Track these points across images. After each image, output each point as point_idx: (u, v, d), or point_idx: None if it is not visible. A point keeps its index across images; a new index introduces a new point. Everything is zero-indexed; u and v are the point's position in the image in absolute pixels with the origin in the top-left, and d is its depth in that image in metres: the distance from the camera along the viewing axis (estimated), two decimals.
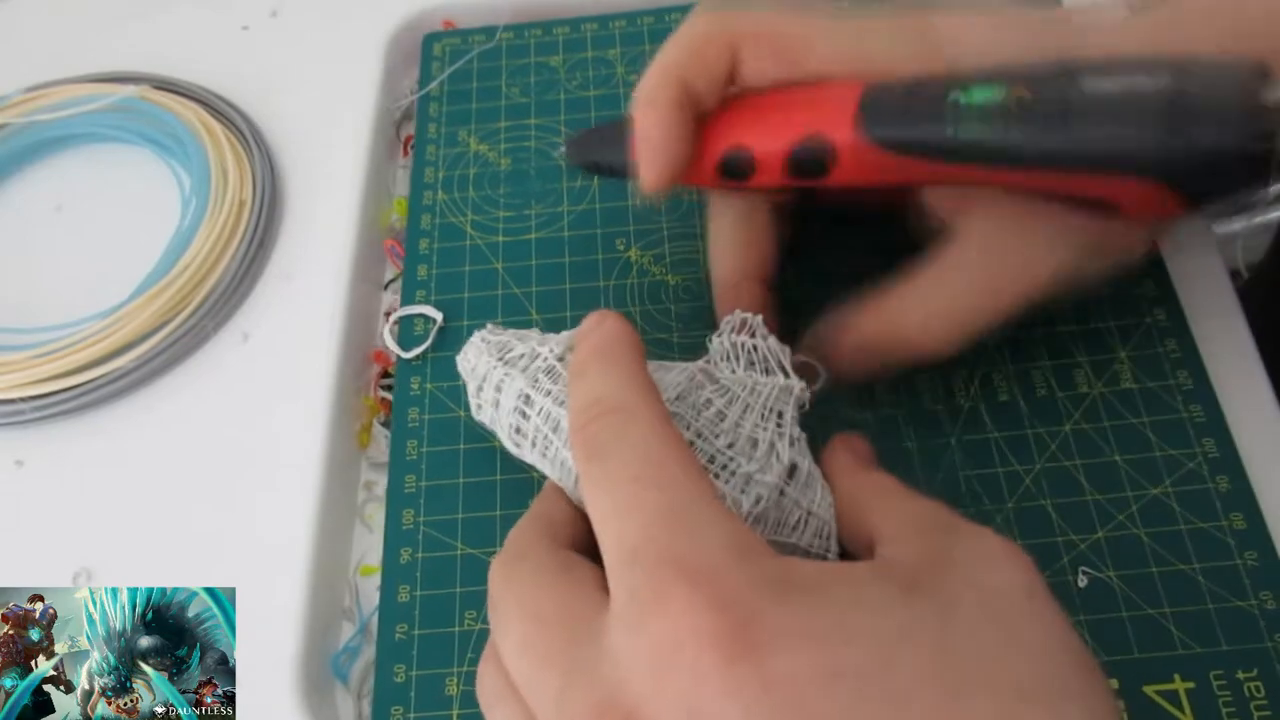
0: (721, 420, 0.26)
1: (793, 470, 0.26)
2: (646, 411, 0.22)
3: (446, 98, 0.43)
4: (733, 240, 0.32)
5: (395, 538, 0.32)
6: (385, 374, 0.37)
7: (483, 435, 0.34)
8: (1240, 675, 0.27)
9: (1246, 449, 0.31)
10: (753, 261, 0.32)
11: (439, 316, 0.37)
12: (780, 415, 0.26)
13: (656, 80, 0.29)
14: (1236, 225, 0.97)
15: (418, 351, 0.36)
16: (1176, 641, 0.28)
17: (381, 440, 0.36)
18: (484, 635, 0.30)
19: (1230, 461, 0.31)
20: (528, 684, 0.20)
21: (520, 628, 0.21)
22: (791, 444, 0.26)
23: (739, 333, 0.28)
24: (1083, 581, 0.29)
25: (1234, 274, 0.35)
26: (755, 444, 0.26)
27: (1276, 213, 0.96)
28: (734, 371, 0.28)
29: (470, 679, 0.30)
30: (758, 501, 0.25)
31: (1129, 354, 0.33)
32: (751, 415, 0.26)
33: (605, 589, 0.20)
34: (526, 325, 0.36)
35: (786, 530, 0.25)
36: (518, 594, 0.22)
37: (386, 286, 0.40)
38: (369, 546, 0.34)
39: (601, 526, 0.20)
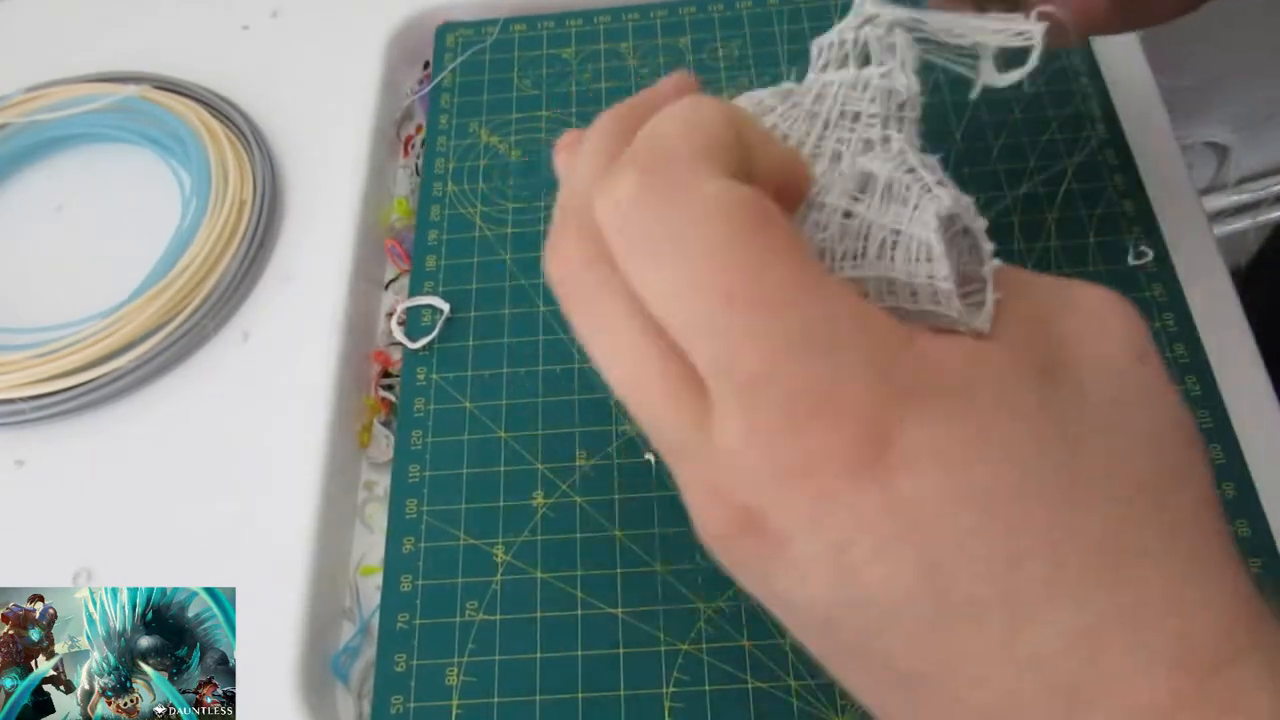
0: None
1: (866, 182, 0.20)
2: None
3: (458, 89, 0.43)
4: None
5: (399, 527, 0.32)
6: (385, 374, 0.37)
7: (487, 426, 0.34)
8: None
9: (1252, 455, 0.31)
10: None
11: (446, 307, 0.37)
12: (856, 117, 0.21)
13: None
14: (1240, 224, 0.97)
15: (425, 342, 0.36)
16: None
17: (382, 440, 0.36)
18: (485, 627, 0.30)
19: (1236, 467, 0.30)
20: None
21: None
22: (870, 147, 0.21)
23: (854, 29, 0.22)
24: None
25: (1234, 273, 0.35)
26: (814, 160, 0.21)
27: (1276, 213, 0.96)
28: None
29: (471, 669, 0.30)
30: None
31: None
32: (815, 125, 0.21)
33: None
34: (533, 318, 0.36)
35: (869, 261, 0.20)
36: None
37: (387, 286, 0.39)
38: (369, 546, 0.34)
39: (687, 335, 0.18)
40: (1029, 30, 0.22)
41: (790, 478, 0.17)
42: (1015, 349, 0.18)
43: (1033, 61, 0.23)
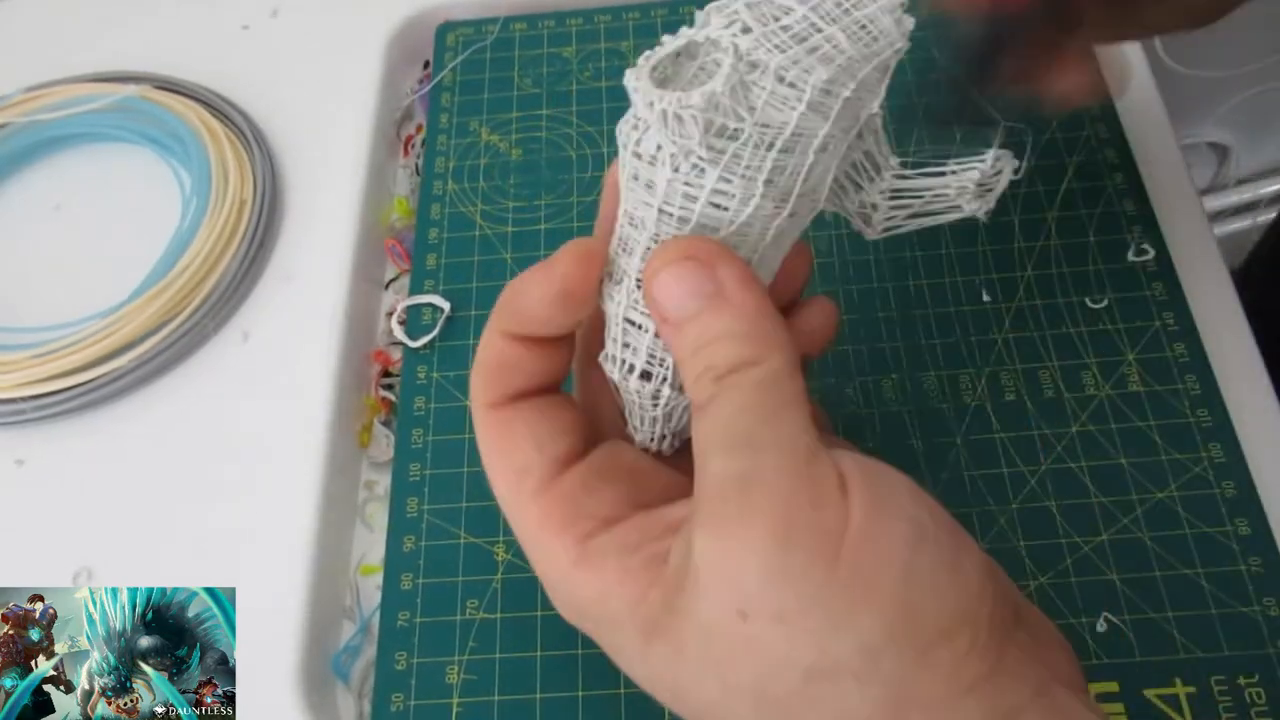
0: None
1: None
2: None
3: (459, 88, 0.43)
4: None
5: (399, 525, 0.32)
6: (385, 373, 0.37)
7: None
8: (1241, 680, 0.27)
9: (1253, 454, 0.31)
10: None
11: (447, 306, 0.37)
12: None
13: None
14: (1240, 224, 0.97)
15: (425, 340, 0.36)
16: (1178, 646, 0.28)
17: (382, 440, 0.36)
18: (486, 625, 0.30)
19: (1236, 467, 0.30)
20: None
21: None
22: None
23: None
24: (1101, 627, 0.29)
25: (1234, 273, 0.35)
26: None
27: (1276, 213, 0.96)
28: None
29: (471, 667, 0.30)
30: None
31: (1137, 357, 0.33)
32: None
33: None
34: None
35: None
36: None
37: (387, 286, 0.39)
38: (369, 546, 0.34)
39: None
40: (995, 172, 0.24)
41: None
42: (634, 607, 0.20)
43: (1002, 185, 0.25)
